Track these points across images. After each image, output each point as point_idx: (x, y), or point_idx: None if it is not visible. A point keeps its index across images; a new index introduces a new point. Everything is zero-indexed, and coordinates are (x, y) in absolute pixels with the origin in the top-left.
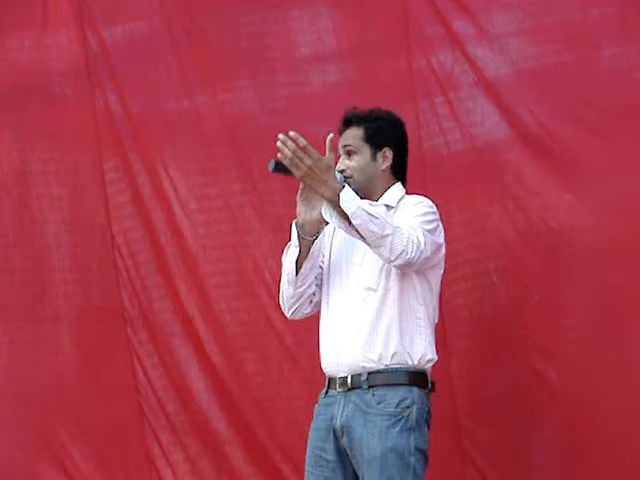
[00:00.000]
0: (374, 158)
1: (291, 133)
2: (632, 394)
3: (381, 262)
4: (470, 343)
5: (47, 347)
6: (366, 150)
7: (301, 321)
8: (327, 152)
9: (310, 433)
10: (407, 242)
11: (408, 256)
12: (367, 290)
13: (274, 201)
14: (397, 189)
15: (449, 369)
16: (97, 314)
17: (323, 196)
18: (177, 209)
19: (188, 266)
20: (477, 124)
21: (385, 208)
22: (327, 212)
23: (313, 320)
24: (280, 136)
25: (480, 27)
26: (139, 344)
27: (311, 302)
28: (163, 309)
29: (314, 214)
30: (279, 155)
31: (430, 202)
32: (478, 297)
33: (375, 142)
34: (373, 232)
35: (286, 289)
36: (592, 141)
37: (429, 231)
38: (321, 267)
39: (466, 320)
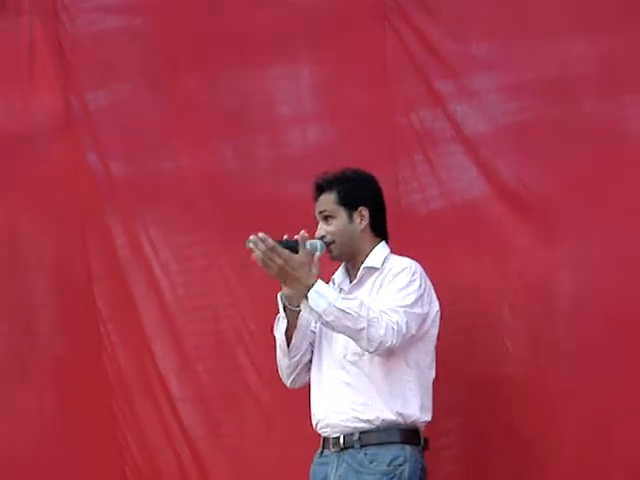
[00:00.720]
0: (351, 219)
1: (260, 234)
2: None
3: None
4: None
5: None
6: (342, 213)
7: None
8: (300, 249)
9: None
10: (385, 332)
11: (388, 344)
12: (354, 355)
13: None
14: (381, 249)
15: None
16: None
17: (297, 293)
18: (157, 270)
19: (166, 326)
20: (455, 180)
21: (359, 302)
22: (304, 306)
23: None
24: (251, 237)
25: (460, 84)
26: (119, 409)
27: (309, 370)
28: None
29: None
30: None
31: (414, 266)
32: (452, 355)
33: (349, 203)
34: (347, 327)
35: (281, 359)
36: (570, 195)
37: (410, 305)
38: (313, 332)
39: (441, 378)
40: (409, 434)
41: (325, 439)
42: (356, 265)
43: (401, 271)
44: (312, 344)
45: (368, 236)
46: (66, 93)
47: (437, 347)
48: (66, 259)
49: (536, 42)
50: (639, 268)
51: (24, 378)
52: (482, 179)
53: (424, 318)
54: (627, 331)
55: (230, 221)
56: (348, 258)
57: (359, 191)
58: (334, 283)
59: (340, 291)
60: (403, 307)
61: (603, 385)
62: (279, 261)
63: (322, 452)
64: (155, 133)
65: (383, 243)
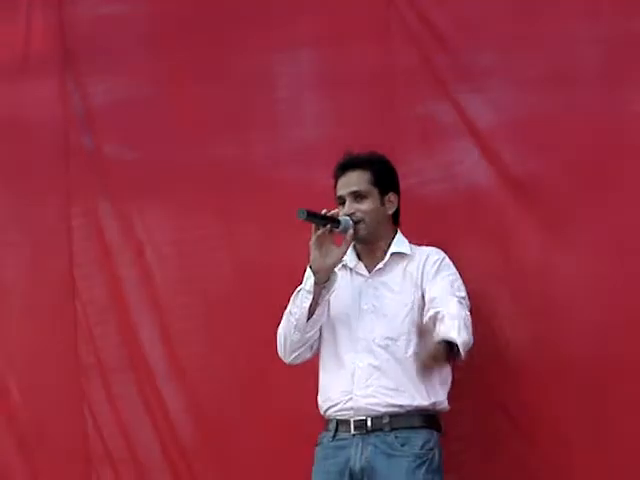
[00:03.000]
0: (382, 202)
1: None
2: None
3: (404, 312)
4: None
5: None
6: (375, 194)
7: (275, 365)
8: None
9: (315, 476)
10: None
11: (471, 343)
12: (385, 339)
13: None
14: (402, 237)
15: None
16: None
17: None
18: (149, 253)
19: (155, 311)
20: (457, 166)
21: None
22: None
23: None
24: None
25: (463, 70)
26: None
27: (312, 347)
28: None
29: (328, 261)
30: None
31: (443, 254)
32: None
33: (383, 186)
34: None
35: (292, 334)
36: (574, 182)
37: (464, 298)
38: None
39: None
40: (435, 419)
41: (341, 422)
42: (376, 250)
43: (437, 261)
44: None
45: (390, 223)
46: (64, 78)
47: None
48: (45, 241)
49: (542, 30)
50: None
51: None
52: (485, 166)
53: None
54: (629, 318)
55: (228, 206)
56: (370, 241)
57: (391, 176)
58: (345, 267)
59: (352, 273)
60: (464, 298)
61: (604, 371)
62: None
63: (335, 435)
64: (154, 119)
65: (399, 232)
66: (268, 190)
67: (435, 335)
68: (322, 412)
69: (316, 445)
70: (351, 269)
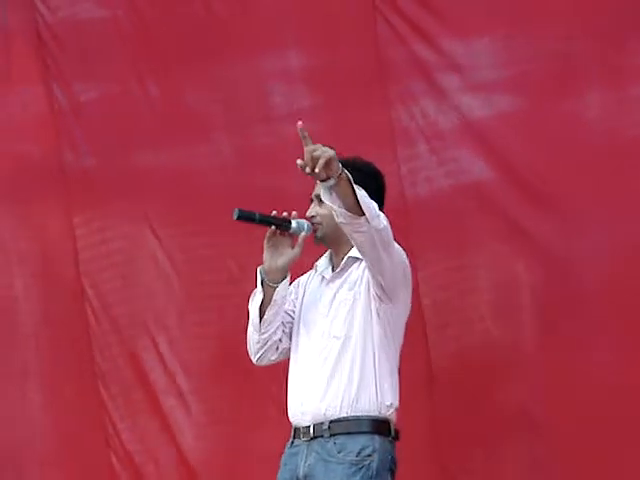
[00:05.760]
0: None
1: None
2: None
3: (345, 311)
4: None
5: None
6: None
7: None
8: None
9: None
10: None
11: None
12: (331, 338)
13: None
14: None
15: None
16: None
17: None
18: (161, 259)
19: (167, 319)
20: (462, 170)
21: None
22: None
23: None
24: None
25: (461, 72)
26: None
27: (277, 349)
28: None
29: (280, 261)
30: None
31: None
32: (469, 341)
33: None
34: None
35: (252, 334)
36: (580, 180)
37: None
38: (290, 316)
39: (456, 370)
40: (379, 424)
41: (296, 428)
42: (340, 254)
43: None
44: (286, 326)
45: None
46: (48, 85)
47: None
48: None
49: (538, 29)
50: None
51: (6, 371)
52: (490, 168)
53: (406, 264)
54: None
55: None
56: (332, 244)
57: (361, 184)
58: (316, 270)
59: (322, 279)
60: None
61: (622, 370)
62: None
63: (293, 442)
64: (145, 125)
65: None
66: (266, 195)
67: None
68: None
69: None
70: (323, 276)
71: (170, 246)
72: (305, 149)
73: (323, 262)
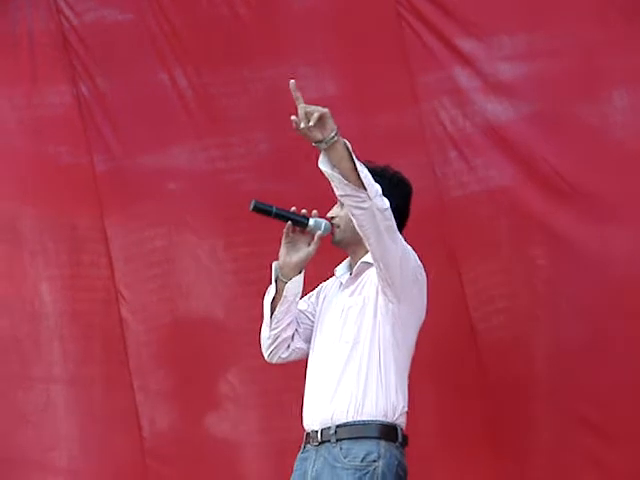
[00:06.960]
0: None
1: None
2: None
3: (355, 315)
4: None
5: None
6: None
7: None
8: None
9: None
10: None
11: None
12: (342, 343)
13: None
14: None
15: None
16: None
17: None
18: (204, 257)
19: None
20: (494, 176)
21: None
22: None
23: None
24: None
25: (486, 77)
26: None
27: (288, 347)
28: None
29: (294, 258)
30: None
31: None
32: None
33: None
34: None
35: (264, 330)
36: (611, 182)
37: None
38: (308, 318)
39: (505, 360)
40: (386, 429)
41: (307, 433)
42: (356, 259)
43: None
44: (299, 325)
45: None
46: (76, 86)
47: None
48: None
49: (560, 30)
50: None
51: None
52: (520, 172)
53: (412, 255)
54: None
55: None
56: (349, 248)
57: (385, 192)
58: (336, 275)
59: (340, 285)
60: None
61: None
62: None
63: (304, 447)
64: (176, 124)
65: None
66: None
67: None
68: None
69: None
70: (340, 282)
71: (212, 244)
72: (299, 105)
73: (342, 267)
